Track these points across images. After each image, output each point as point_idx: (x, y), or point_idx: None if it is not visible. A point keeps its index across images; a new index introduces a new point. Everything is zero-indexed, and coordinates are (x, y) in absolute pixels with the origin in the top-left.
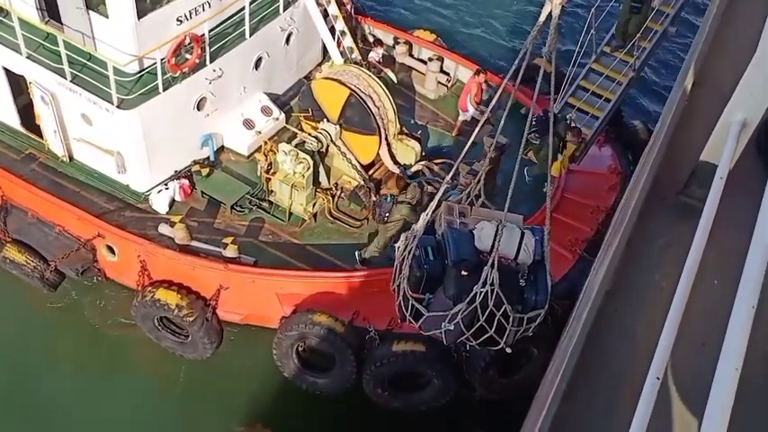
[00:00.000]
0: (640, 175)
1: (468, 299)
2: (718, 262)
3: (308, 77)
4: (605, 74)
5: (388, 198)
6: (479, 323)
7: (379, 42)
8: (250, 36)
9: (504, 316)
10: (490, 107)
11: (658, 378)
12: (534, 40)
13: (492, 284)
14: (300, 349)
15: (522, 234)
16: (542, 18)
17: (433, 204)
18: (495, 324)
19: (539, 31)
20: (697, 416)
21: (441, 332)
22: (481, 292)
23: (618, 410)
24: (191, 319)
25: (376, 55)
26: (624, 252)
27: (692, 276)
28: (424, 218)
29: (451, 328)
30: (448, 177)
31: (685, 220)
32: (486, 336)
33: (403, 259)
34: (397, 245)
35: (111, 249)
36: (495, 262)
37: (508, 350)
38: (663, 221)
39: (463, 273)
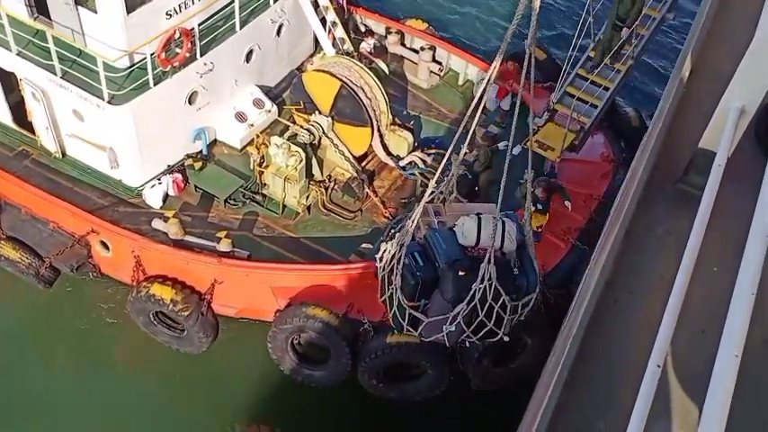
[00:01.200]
0: (639, 163)
1: (468, 298)
2: (717, 249)
3: (301, 69)
4: (604, 62)
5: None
6: (479, 319)
7: (370, 33)
8: (240, 29)
9: (501, 307)
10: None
11: (659, 366)
12: (514, 33)
13: (490, 279)
14: (295, 342)
15: (503, 223)
16: (521, 10)
17: (419, 211)
18: (494, 317)
19: (517, 23)
20: (697, 402)
21: (443, 335)
22: (480, 289)
23: (619, 398)
24: (186, 313)
25: (368, 46)
26: (623, 241)
27: (692, 264)
28: (409, 226)
29: (453, 329)
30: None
31: (684, 208)
32: (485, 329)
33: (391, 270)
34: (377, 256)
35: (105, 245)
36: (492, 256)
37: (506, 339)
38: (662, 210)
39: (460, 273)
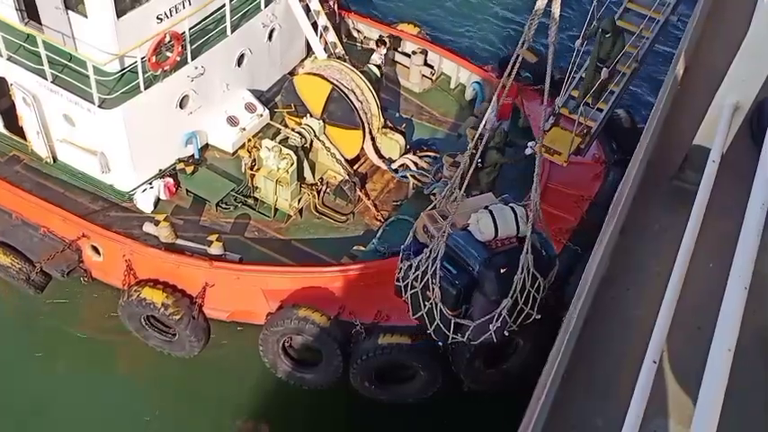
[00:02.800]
0: (635, 160)
1: (512, 291)
2: (712, 245)
3: (293, 73)
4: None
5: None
6: (518, 307)
7: (382, 42)
8: (232, 33)
9: (536, 289)
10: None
11: (655, 362)
12: (530, 32)
13: (528, 268)
14: (287, 345)
15: (513, 209)
16: (540, 6)
17: (448, 224)
18: (530, 301)
19: (535, 21)
20: (693, 397)
21: (490, 333)
22: (521, 279)
23: (616, 394)
24: (177, 317)
25: (379, 56)
26: (619, 238)
27: (687, 260)
28: (438, 240)
29: (499, 324)
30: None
31: (680, 204)
32: (524, 315)
33: (424, 286)
34: (398, 275)
35: (96, 250)
36: (529, 247)
37: (539, 317)
38: (657, 207)
39: (502, 270)
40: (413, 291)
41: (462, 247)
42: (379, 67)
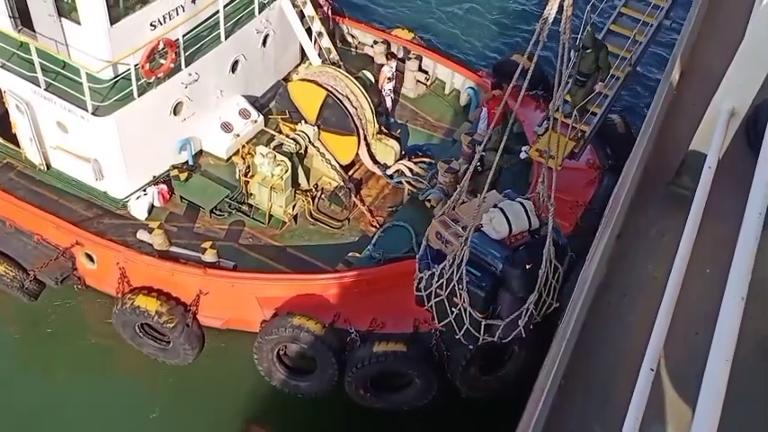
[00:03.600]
0: (630, 165)
1: (537, 285)
2: (709, 250)
3: (287, 79)
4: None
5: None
6: (542, 299)
7: (392, 55)
8: (225, 39)
9: (556, 279)
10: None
11: (652, 369)
12: (542, 33)
13: (551, 260)
14: (282, 353)
15: (522, 204)
16: (553, 10)
17: (471, 228)
18: (552, 292)
19: (545, 24)
20: (691, 404)
21: (520, 329)
22: (544, 273)
23: (614, 400)
24: (171, 325)
25: (389, 69)
26: (616, 243)
27: (684, 266)
28: (462, 245)
29: (527, 319)
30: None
31: (676, 209)
32: (546, 306)
33: (451, 292)
34: (419, 285)
35: (90, 257)
36: (550, 240)
37: (557, 305)
38: (654, 212)
39: (527, 267)
40: (437, 299)
41: (480, 248)
42: (389, 79)
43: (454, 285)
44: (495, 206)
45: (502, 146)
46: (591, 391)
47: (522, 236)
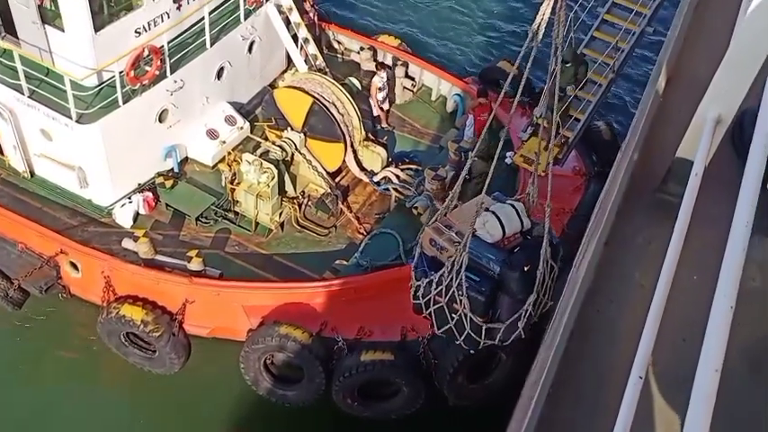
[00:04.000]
0: (617, 172)
1: (536, 286)
2: (697, 258)
3: (273, 85)
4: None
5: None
6: (539, 299)
7: (382, 65)
8: (211, 46)
9: (552, 278)
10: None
11: (641, 377)
12: (535, 40)
13: (548, 260)
14: (268, 362)
15: (512, 206)
16: (546, 14)
17: (469, 235)
18: (548, 291)
19: (538, 30)
20: (680, 411)
21: (519, 330)
22: (541, 273)
23: (602, 410)
24: (156, 334)
25: (380, 80)
26: (603, 251)
27: (672, 273)
28: (460, 250)
29: (526, 320)
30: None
31: (663, 217)
32: (542, 304)
33: (450, 299)
34: (417, 293)
35: (74, 266)
36: (547, 240)
37: (551, 303)
38: (641, 219)
39: (526, 269)
40: (437, 306)
41: (477, 252)
42: (381, 89)
43: (454, 291)
44: (487, 209)
45: (497, 153)
46: (579, 399)
47: (514, 238)
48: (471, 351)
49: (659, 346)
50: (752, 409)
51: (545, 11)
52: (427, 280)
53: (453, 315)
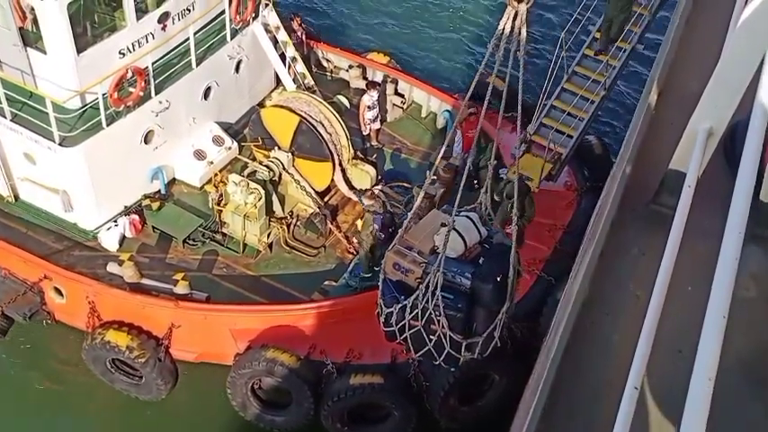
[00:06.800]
0: (611, 185)
1: (509, 294)
2: (691, 269)
3: (262, 104)
4: (579, 94)
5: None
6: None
7: (372, 85)
8: (197, 66)
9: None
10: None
11: (636, 388)
12: (495, 52)
13: (516, 267)
14: (256, 387)
15: (467, 217)
16: (505, 26)
17: (443, 254)
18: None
19: (499, 41)
20: (676, 425)
21: (496, 341)
22: (511, 280)
23: (598, 421)
24: (142, 360)
25: (369, 98)
26: (598, 263)
27: (666, 284)
28: (435, 275)
29: (501, 329)
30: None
31: (657, 228)
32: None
33: (427, 321)
34: (388, 320)
35: (59, 291)
36: (515, 248)
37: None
38: (635, 231)
39: (498, 279)
40: (412, 330)
41: (445, 269)
42: (370, 108)
43: (431, 313)
44: (444, 225)
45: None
46: (575, 410)
47: (475, 248)
48: (453, 369)
49: (654, 357)
50: (748, 419)
51: (503, 27)
52: (400, 305)
53: (432, 336)
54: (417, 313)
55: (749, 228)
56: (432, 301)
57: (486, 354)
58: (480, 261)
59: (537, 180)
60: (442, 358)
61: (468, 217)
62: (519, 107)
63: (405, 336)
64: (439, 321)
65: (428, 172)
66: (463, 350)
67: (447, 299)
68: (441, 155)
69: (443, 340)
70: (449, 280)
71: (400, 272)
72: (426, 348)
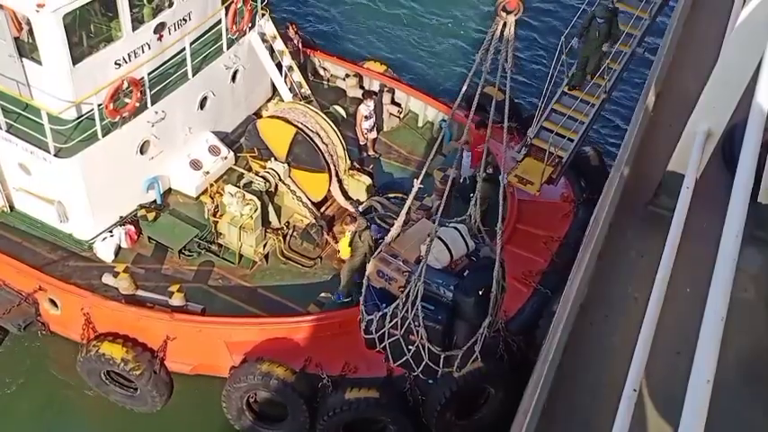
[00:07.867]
0: (610, 187)
1: (491, 309)
2: (689, 270)
3: (258, 114)
4: (580, 98)
5: None
6: (493, 320)
7: (369, 94)
8: (193, 76)
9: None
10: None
11: (635, 390)
12: (483, 62)
13: (500, 281)
14: (251, 400)
15: (455, 228)
16: (494, 36)
17: (425, 263)
18: (498, 310)
19: (487, 51)
20: (674, 426)
21: (476, 355)
22: (494, 295)
23: (596, 423)
24: (137, 372)
25: (366, 108)
26: (597, 265)
27: (665, 286)
28: (415, 282)
29: (482, 343)
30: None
31: (656, 230)
32: (495, 324)
33: (406, 331)
34: (368, 328)
35: (53, 302)
36: (499, 262)
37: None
38: (634, 233)
39: (480, 293)
40: (392, 339)
41: (428, 280)
42: (367, 118)
43: (410, 323)
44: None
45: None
46: (574, 412)
47: (461, 260)
48: (429, 382)
49: (653, 359)
50: (746, 420)
51: (491, 38)
52: (380, 313)
53: (410, 347)
54: (397, 322)
55: (747, 229)
56: (411, 310)
57: (465, 368)
58: (465, 274)
59: (537, 183)
60: (419, 369)
61: (456, 228)
62: (505, 117)
63: (384, 344)
64: (418, 332)
65: (415, 180)
66: (441, 363)
67: (428, 309)
68: (435, 167)
69: (422, 351)
70: (431, 291)
71: (384, 279)
72: (404, 359)
